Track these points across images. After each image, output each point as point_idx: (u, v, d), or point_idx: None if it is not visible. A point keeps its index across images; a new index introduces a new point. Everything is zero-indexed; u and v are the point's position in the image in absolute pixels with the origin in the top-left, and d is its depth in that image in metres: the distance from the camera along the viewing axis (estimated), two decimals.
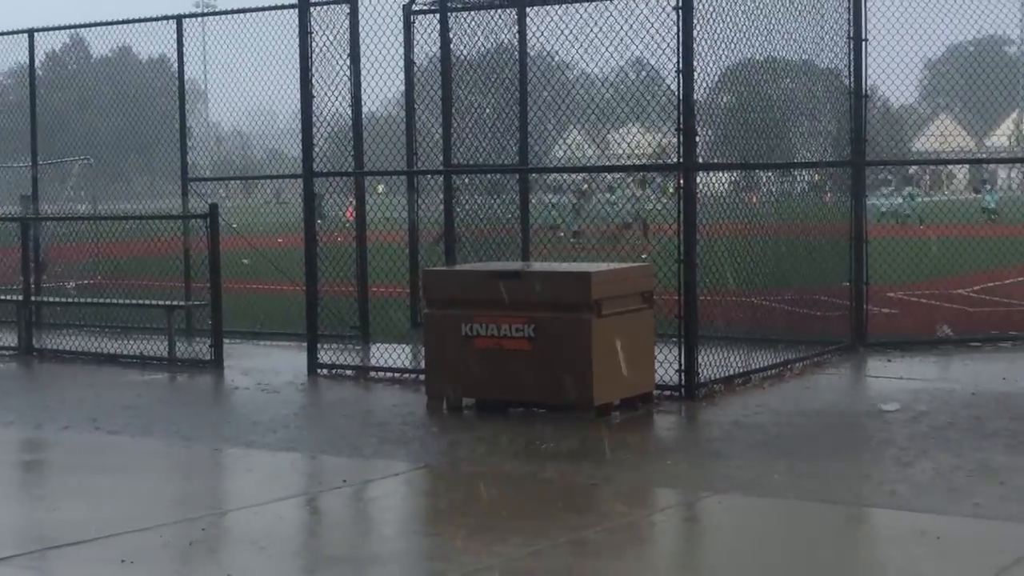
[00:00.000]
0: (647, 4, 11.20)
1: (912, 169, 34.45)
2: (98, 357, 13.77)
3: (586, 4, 12.70)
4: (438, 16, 14.03)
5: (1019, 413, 9.71)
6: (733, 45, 11.60)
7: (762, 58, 12.57)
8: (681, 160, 10.72)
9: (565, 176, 15.73)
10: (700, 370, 10.73)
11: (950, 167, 34.88)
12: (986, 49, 18.41)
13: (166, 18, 16.35)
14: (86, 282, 17.47)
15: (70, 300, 16.51)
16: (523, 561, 6.28)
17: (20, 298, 14.89)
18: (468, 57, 14.14)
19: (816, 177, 13.94)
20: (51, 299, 16.29)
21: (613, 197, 15.12)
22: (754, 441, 9.01)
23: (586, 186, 15.20)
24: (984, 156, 27.29)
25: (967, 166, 36.32)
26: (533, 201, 14.48)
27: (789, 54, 12.87)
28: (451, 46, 13.93)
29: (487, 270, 10.69)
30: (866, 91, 13.22)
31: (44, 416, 10.58)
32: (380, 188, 18.64)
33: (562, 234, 14.54)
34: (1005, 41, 20.35)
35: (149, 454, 9.25)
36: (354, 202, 14.43)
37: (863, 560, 6.54)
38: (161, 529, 6.99)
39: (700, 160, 11.04)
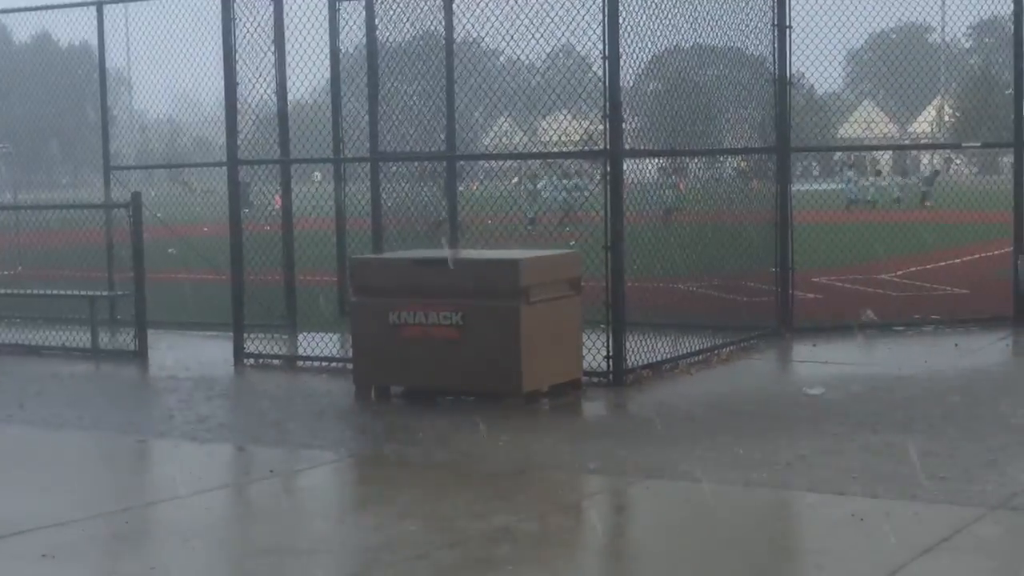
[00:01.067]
0: None
1: (836, 156, 34.84)
2: (20, 348, 13.56)
3: None
4: (364, 3, 13.94)
5: (941, 396, 9.85)
6: (659, 32, 11.64)
7: (688, 45, 12.62)
8: (608, 147, 10.74)
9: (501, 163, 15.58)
10: (628, 356, 10.77)
11: (874, 153, 35.32)
12: (908, 37, 18.64)
13: (86, 4, 16.09)
14: (7, 273, 17.19)
15: None
16: (450, 549, 6.27)
17: None
18: (394, 44, 14.06)
19: (743, 163, 14.04)
20: None
21: (570, 183, 15.01)
22: (681, 426, 9.05)
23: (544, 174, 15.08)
24: (907, 143, 27.64)
25: (891, 153, 36.78)
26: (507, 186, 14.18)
27: (715, 41, 12.94)
28: (377, 33, 13.84)
29: (414, 257, 10.65)
30: (790, 78, 13.31)
31: None
32: (317, 175, 18.41)
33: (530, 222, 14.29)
34: (926, 29, 20.62)
35: (71, 446, 9.12)
36: (280, 190, 14.31)
37: (789, 542, 6.60)
38: (84, 523, 6.90)
39: (627, 147, 11.06)
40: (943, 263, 18.93)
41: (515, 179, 16.95)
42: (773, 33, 13.20)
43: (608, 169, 10.80)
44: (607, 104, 10.64)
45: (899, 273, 18.05)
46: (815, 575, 5.82)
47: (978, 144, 15.20)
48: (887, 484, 7.28)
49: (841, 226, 16.18)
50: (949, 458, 7.84)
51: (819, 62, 15.53)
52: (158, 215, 14.97)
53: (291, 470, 8.23)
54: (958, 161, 37.57)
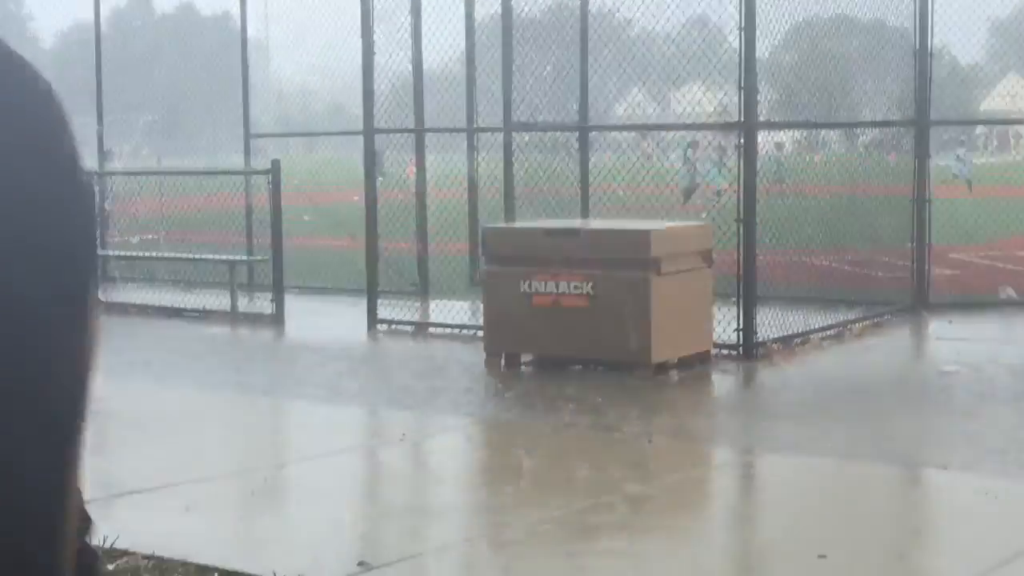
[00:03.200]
0: None
1: (979, 130, 34.04)
2: (162, 311, 13.96)
3: None
4: None
5: None
6: (797, 2, 11.51)
7: (827, 16, 12.46)
8: (743, 119, 10.68)
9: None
10: (758, 330, 10.71)
11: (1017, 128, 34.42)
12: None
13: None
14: (150, 236, 17.69)
15: (134, 255, 16.73)
16: (581, 515, 6.35)
17: None
18: (529, 14, 14.11)
19: (879, 137, 13.82)
20: (115, 253, 16.52)
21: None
22: (811, 401, 9.01)
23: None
24: None
25: None
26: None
27: (854, 11, 12.74)
28: (512, 2, 13.90)
29: (546, 227, 10.72)
30: (931, 49, 13.05)
31: (108, 368, 10.76)
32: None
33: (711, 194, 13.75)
34: None
35: (211, 406, 9.40)
36: (414, 159, 14.49)
37: (918, 519, 6.55)
38: (223, 479, 7.13)
39: (762, 119, 10.98)
40: None
41: (650, 150, 16.81)
42: (915, 3, 12.95)
43: (742, 141, 10.74)
44: (742, 76, 10.57)
45: None
46: (945, 552, 5.77)
47: None
48: (1022, 464, 7.17)
49: (980, 201, 15.86)
50: None
51: (962, 33, 15.20)
52: (295, 182, 15.27)
53: (423, 434, 8.39)
54: None
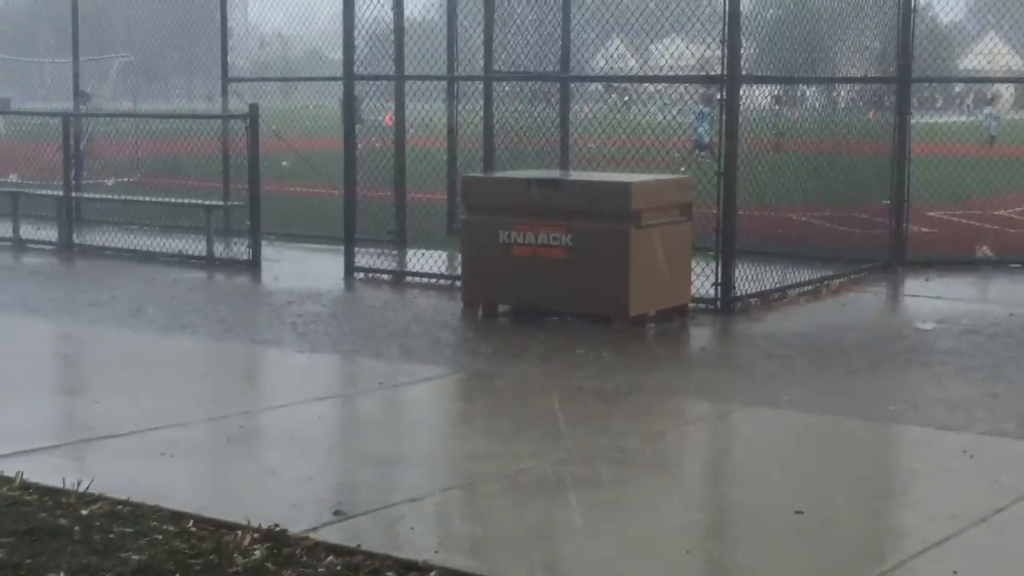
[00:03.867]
0: None
1: (957, 88, 34.01)
2: (137, 254, 13.88)
3: None
4: None
5: None
6: None
7: None
8: (725, 73, 10.62)
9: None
10: (736, 284, 10.72)
11: (996, 86, 34.40)
12: None
13: None
14: (125, 180, 17.55)
15: (110, 197, 16.60)
16: (555, 466, 6.34)
17: (60, 194, 14.99)
18: None
19: (860, 93, 13.77)
20: (91, 195, 16.39)
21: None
22: (787, 356, 9.02)
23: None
24: None
25: (1013, 86, 35.80)
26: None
27: None
28: None
29: (526, 178, 10.67)
30: (915, 5, 13.00)
31: (82, 311, 10.69)
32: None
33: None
34: None
35: (187, 351, 9.35)
36: (393, 107, 14.39)
37: (894, 475, 6.57)
38: (199, 425, 7.09)
39: (744, 73, 10.92)
40: None
41: (624, 99, 16.67)
42: None
43: (724, 95, 10.69)
44: (726, 29, 10.50)
45: (1018, 209, 17.66)
46: (920, 508, 5.80)
47: None
48: (999, 421, 7.21)
49: (959, 159, 15.86)
50: None
51: None
52: (273, 128, 15.14)
53: (400, 383, 8.36)
54: None
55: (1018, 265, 13.24)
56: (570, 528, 5.56)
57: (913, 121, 13.40)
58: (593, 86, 16.88)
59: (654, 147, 11.95)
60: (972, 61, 26.26)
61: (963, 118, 34.49)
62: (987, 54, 25.89)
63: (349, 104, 12.79)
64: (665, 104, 16.16)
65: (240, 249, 13.39)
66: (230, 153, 15.07)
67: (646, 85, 16.21)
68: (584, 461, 6.46)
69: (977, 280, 12.51)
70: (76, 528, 5.28)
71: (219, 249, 13.74)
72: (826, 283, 11.78)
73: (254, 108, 13.08)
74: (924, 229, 14.83)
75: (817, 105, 13.40)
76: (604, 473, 6.29)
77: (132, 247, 14.03)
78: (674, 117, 13.56)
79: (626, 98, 17.03)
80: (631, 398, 7.88)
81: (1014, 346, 9.27)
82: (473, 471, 6.32)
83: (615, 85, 15.44)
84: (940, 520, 5.49)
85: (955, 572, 4.94)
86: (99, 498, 5.64)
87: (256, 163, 13.07)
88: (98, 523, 5.35)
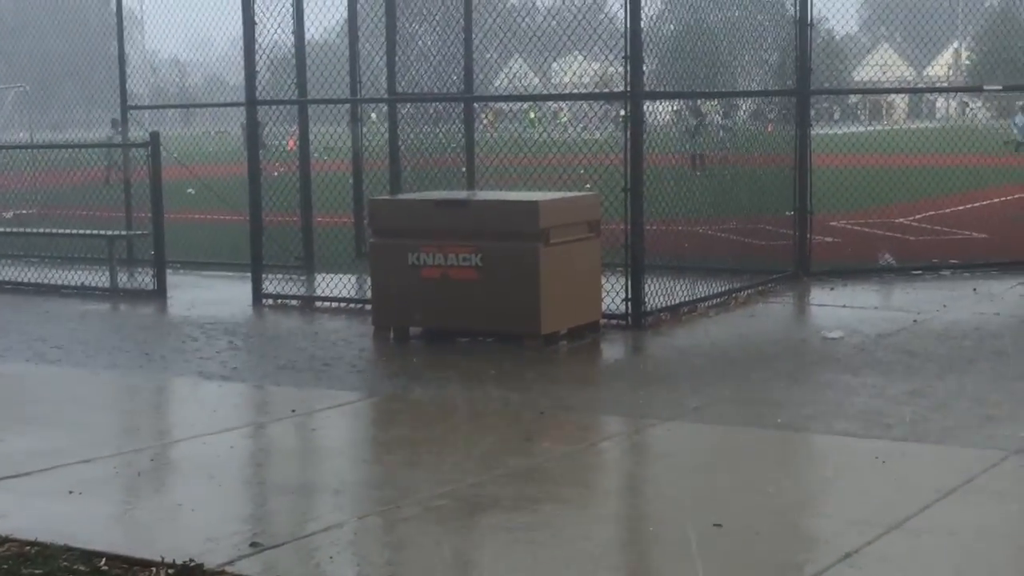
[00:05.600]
0: None
1: (852, 99, 34.65)
2: (38, 287, 13.61)
3: None
4: None
5: (961, 341, 9.85)
6: None
7: None
8: (628, 89, 10.69)
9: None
10: (646, 299, 10.78)
11: (891, 97, 35.12)
12: None
13: None
14: (24, 212, 17.21)
15: (8, 230, 16.27)
16: (473, 489, 6.31)
17: None
18: None
19: (758, 107, 13.94)
20: None
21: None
22: (699, 369, 9.08)
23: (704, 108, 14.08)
24: (923, 86, 27.43)
25: (907, 97, 36.56)
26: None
27: None
28: None
29: (434, 199, 10.64)
30: (811, 19, 13.21)
31: None
32: (373, 116, 17.69)
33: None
34: None
35: (93, 384, 9.17)
36: (297, 131, 14.29)
37: (811, 484, 6.63)
38: (109, 460, 6.95)
39: (646, 89, 11.00)
40: (961, 207, 18.86)
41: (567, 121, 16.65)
42: None
43: (628, 111, 10.76)
44: (628, 45, 10.57)
45: (917, 217, 18.00)
46: (837, 516, 5.84)
47: (999, 87, 15.10)
48: (909, 427, 7.31)
49: (858, 170, 16.11)
50: (971, 402, 7.86)
51: (837, 4, 15.41)
52: (174, 155, 14.96)
53: (312, 410, 8.27)
54: (972, 106, 37.37)
55: (919, 271, 13.48)
56: (490, 551, 5.53)
57: (813, 133, 13.59)
58: (497, 105, 16.92)
59: (560, 165, 12.00)
60: (866, 72, 26.78)
61: (860, 128, 35.15)
62: (880, 65, 26.42)
63: (252, 129, 12.67)
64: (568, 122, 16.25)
65: (145, 279, 13.19)
66: (132, 182, 14.85)
67: (550, 103, 16.28)
68: (501, 482, 6.43)
69: (881, 287, 12.70)
70: None
71: (123, 279, 13.53)
72: (734, 295, 11.89)
73: (155, 136, 12.91)
74: (828, 239, 15.04)
75: (718, 119, 13.53)
76: (522, 493, 6.27)
77: (32, 280, 13.76)
78: (579, 134, 13.60)
79: (532, 115, 17.09)
80: (546, 417, 7.87)
81: (920, 352, 9.41)
82: (390, 497, 6.26)
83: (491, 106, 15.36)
84: (856, 528, 5.54)
85: None
86: (6, 539, 5.50)
87: (159, 191, 12.90)
88: (6, 566, 5.21)
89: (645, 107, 10.85)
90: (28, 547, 5.40)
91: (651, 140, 11.13)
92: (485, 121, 14.70)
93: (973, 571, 5.07)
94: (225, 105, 19.10)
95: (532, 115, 19.49)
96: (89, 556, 5.30)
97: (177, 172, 15.32)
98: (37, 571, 5.15)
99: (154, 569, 5.14)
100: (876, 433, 7.19)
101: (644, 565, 5.52)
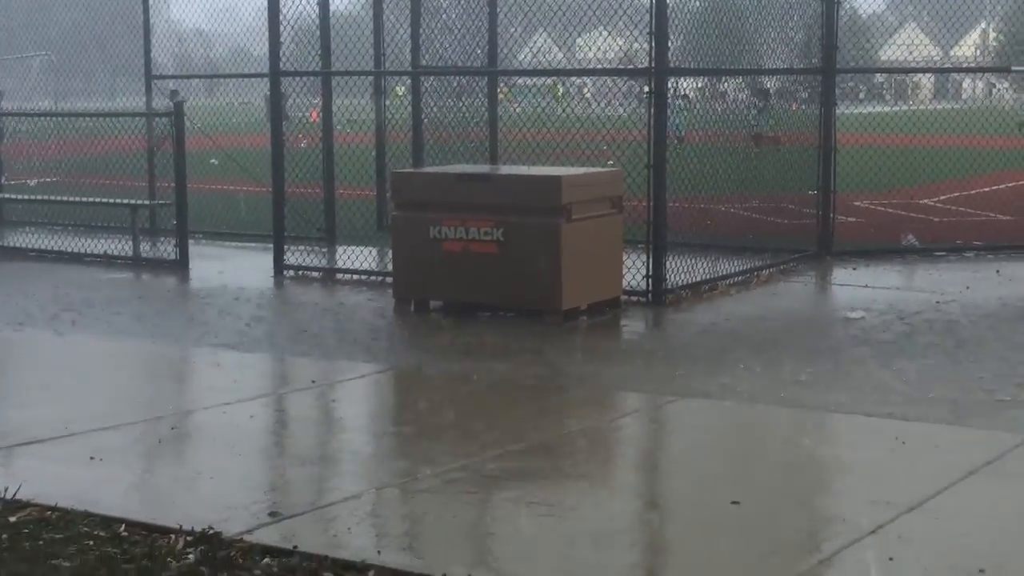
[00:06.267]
0: None
1: (878, 78, 34.44)
2: (62, 255, 13.66)
3: None
4: None
5: (982, 321, 9.80)
6: None
7: None
8: (653, 65, 10.64)
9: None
10: (667, 276, 10.75)
11: (916, 77, 34.87)
12: None
13: None
14: (48, 180, 17.27)
15: (33, 197, 16.33)
16: (491, 463, 6.31)
17: None
18: None
19: (785, 85, 13.87)
20: (12, 196, 16.11)
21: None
22: (720, 347, 9.06)
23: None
24: (950, 66, 27.24)
25: (932, 76, 36.29)
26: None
27: None
28: None
29: (456, 172, 10.62)
30: None
31: (7, 313, 10.49)
32: (399, 90, 17.59)
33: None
34: None
35: (115, 353, 9.21)
36: (320, 103, 14.27)
37: (829, 462, 6.61)
38: (130, 427, 6.98)
39: (672, 65, 10.95)
40: (986, 189, 18.74)
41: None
42: None
43: (652, 87, 10.71)
44: (653, 21, 10.51)
45: (941, 198, 17.90)
46: (856, 497, 5.83)
47: None
48: (930, 408, 7.28)
49: (883, 149, 16.03)
50: (994, 383, 7.82)
51: None
52: (198, 125, 14.97)
53: (332, 380, 8.29)
54: (999, 87, 37.11)
55: (943, 253, 13.42)
56: (509, 524, 5.54)
57: (838, 112, 13.51)
58: (513, 80, 16.88)
59: (583, 140, 11.97)
60: (892, 52, 26.60)
61: (885, 108, 34.92)
62: (907, 45, 26.24)
63: (276, 100, 12.67)
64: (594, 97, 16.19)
65: (167, 249, 13.22)
66: (156, 151, 14.87)
67: (574, 79, 16.23)
68: (519, 456, 6.44)
69: (903, 268, 12.65)
70: (4, 536, 5.17)
71: (145, 249, 13.57)
72: (756, 274, 11.85)
73: (179, 105, 12.92)
74: (851, 219, 14.98)
75: (742, 97, 13.47)
76: (541, 467, 6.27)
77: (56, 248, 13.80)
78: (603, 110, 13.56)
79: (560, 90, 17.02)
80: (565, 392, 7.87)
81: (942, 333, 9.37)
82: (409, 468, 6.28)
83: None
84: (876, 507, 5.53)
85: (891, 559, 4.98)
86: (27, 504, 5.53)
87: (182, 160, 12.91)
88: (27, 530, 5.24)
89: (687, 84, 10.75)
90: (49, 512, 5.43)
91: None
92: (500, 96, 14.65)
93: (992, 552, 5.06)
94: (249, 76, 19.09)
95: (560, 90, 19.43)
96: (109, 522, 5.32)
97: (200, 142, 15.33)
98: (58, 535, 5.17)
99: (173, 536, 5.16)
100: (897, 413, 7.16)
101: (661, 541, 5.52)
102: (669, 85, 10.73)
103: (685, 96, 13.70)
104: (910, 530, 5.32)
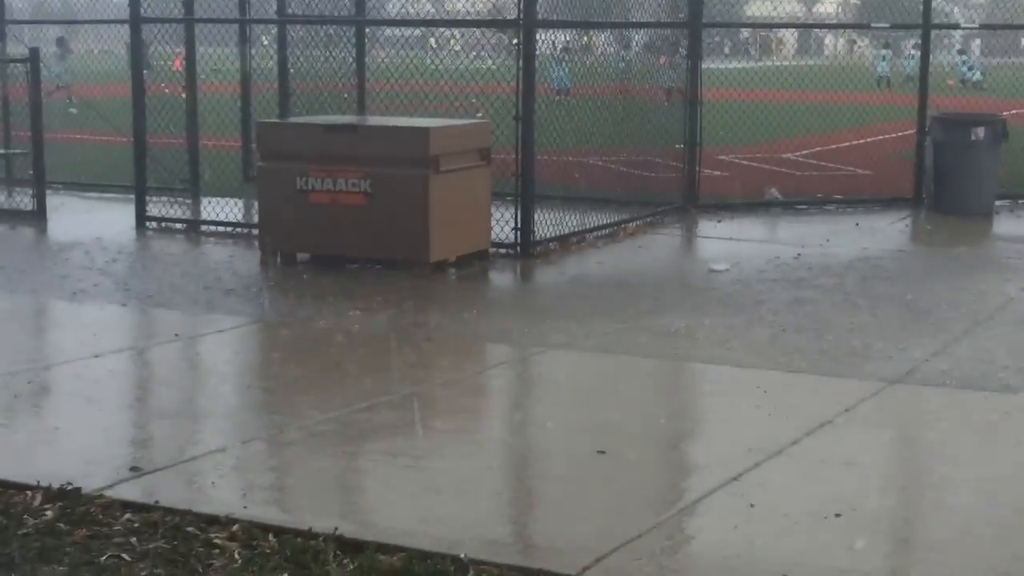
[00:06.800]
0: None
1: (743, 34, 34.86)
2: None
3: None
4: None
5: (841, 272, 10.02)
6: None
7: None
8: (521, 17, 10.61)
9: None
10: (536, 229, 10.78)
11: (780, 33, 35.36)
12: None
13: None
14: None
15: None
16: (358, 415, 6.29)
17: None
18: None
19: (652, 39, 13.95)
20: None
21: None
22: (586, 298, 9.12)
23: None
24: (813, 22, 27.70)
25: (796, 33, 36.85)
26: None
27: None
28: None
29: (323, 123, 10.50)
30: None
31: None
32: (264, 40, 16.84)
33: None
34: None
35: None
36: (183, 52, 13.96)
37: (693, 412, 6.72)
38: None
39: (540, 17, 10.93)
40: (847, 144, 19.13)
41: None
42: None
43: (521, 39, 10.69)
44: None
45: (803, 152, 18.22)
46: (720, 442, 5.93)
47: (887, 25, 15.29)
48: (789, 358, 7.43)
49: (746, 104, 16.21)
50: (852, 333, 8.01)
51: None
52: (56, 72, 14.55)
53: (196, 334, 8.17)
54: (859, 44, 37.85)
55: (804, 206, 13.68)
56: (373, 476, 5.53)
57: (703, 66, 13.63)
58: (390, 30, 16.71)
59: (452, 93, 11.91)
60: (757, 8, 26.94)
61: (750, 64, 35.37)
62: (772, 1, 26.56)
63: (136, 48, 12.36)
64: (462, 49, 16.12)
65: (24, 199, 12.85)
66: (11, 100, 14.42)
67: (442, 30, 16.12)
68: (386, 408, 6.42)
69: (767, 221, 12.86)
70: None
71: (1, 199, 13.17)
72: (623, 226, 11.95)
73: (34, 52, 12.53)
74: (716, 172, 15.17)
75: (611, 51, 13.52)
76: (406, 419, 6.27)
77: None
78: (471, 62, 13.51)
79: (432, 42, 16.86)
80: (432, 343, 7.86)
81: (803, 285, 9.56)
82: (274, 422, 6.22)
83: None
84: (737, 454, 5.63)
85: (752, 505, 5.08)
86: None
87: (38, 109, 12.54)
88: None
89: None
90: None
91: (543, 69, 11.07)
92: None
93: (848, 497, 5.19)
94: (109, 22, 18.56)
95: (432, 42, 19.29)
96: None
97: (60, 91, 14.90)
98: None
99: (30, 493, 5.05)
100: (759, 363, 7.29)
101: (526, 490, 5.56)
102: (546, 38, 10.72)
103: (567, 49, 13.73)
104: (771, 477, 5.44)
